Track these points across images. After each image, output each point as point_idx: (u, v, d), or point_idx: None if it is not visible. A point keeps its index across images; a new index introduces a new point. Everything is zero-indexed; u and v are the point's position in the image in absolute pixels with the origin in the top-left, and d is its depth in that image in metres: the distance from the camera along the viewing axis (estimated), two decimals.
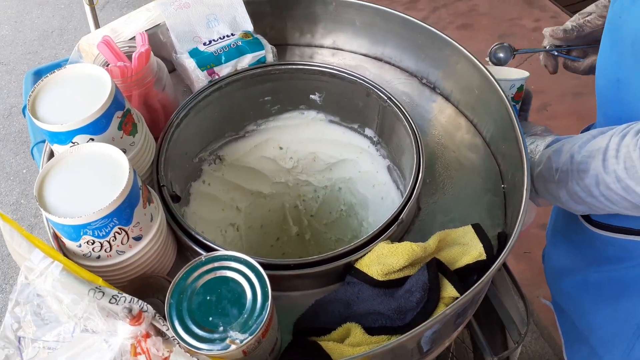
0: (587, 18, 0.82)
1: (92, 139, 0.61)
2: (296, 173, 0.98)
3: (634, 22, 0.61)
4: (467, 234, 0.65)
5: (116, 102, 0.62)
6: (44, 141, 0.76)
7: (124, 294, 0.51)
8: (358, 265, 0.62)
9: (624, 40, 0.63)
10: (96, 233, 0.55)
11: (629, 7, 0.62)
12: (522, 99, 0.87)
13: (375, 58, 0.93)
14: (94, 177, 0.57)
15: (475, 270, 0.62)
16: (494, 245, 0.65)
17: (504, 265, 0.73)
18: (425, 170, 0.70)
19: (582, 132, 0.72)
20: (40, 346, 0.51)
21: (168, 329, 0.49)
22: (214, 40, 0.83)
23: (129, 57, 0.73)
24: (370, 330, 0.59)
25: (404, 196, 0.66)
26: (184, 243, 0.65)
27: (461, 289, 0.58)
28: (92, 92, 0.62)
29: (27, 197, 2.00)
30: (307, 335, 0.60)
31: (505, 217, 0.71)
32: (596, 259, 0.81)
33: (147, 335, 0.49)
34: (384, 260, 0.61)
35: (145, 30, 0.82)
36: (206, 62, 0.81)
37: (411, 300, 0.58)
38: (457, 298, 0.58)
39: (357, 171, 0.93)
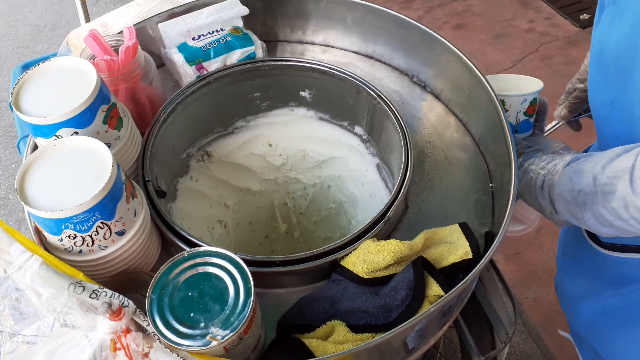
0: (576, 86, 0.84)
1: (77, 133, 0.60)
2: (285, 170, 0.97)
3: (613, 42, 0.62)
4: (454, 232, 0.64)
5: (101, 96, 0.61)
6: None
7: (105, 289, 0.50)
8: (344, 263, 0.62)
9: (607, 61, 0.64)
10: (78, 227, 0.54)
11: (607, 30, 0.63)
12: (536, 111, 0.81)
13: (367, 56, 0.93)
14: (77, 171, 0.56)
15: (461, 269, 0.61)
16: (481, 244, 0.65)
17: (493, 265, 0.73)
18: (414, 169, 0.70)
19: (582, 153, 0.70)
20: (19, 341, 0.50)
21: (149, 325, 0.49)
22: (203, 35, 0.83)
23: (117, 51, 0.72)
24: (355, 328, 0.58)
25: (392, 194, 0.66)
26: (168, 239, 0.64)
27: (446, 287, 0.58)
28: (77, 85, 0.61)
29: (15, 192, 1.98)
30: (292, 333, 0.60)
31: (493, 216, 0.71)
32: (612, 281, 0.78)
33: (128, 331, 0.49)
34: (369, 258, 0.60)
35: (134, 25, 0.81)
36: (195, 57, 0.80)
37: (396, 298, 0.58)
38: (442, 296, 0.57)
39: (346, 169, 0.93)
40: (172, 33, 0.82)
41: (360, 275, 0.60)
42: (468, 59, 0.77)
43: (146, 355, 0.48)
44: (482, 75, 0.74)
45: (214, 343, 0.48)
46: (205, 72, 0.81)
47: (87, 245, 0.56)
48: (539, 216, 0.90)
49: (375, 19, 0.87)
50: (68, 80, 0.63)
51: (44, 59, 0.66)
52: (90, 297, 0.49)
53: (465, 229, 0.64)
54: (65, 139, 0.58)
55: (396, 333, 0.53)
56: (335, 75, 0.80)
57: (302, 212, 1.04)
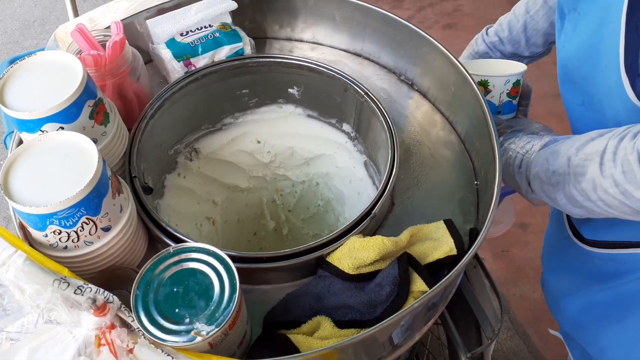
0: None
1: (62, 128, 0.60)
2: (274, 167, 0.97)
3: (575, 48, 0.65)
4: (439, 229, 0.65)
5: (87, 91, 0.61)
6: None
7: (90, 285, 0.50)
8: (330, 259, 0.62)
9: (571, 66, 0.66)
10: (63, 223, 0.54)
11: (570, 37, 0.67)
12: (519, 93, 0.83)
13: (355, 53, 0.93)
14: (63, 167, 0.56)
15: (446, 265, 0.62)
16: (465, 241, 0.65)
17: (480, 262, 0.73)
18: (400, 166, 0.70)
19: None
20: (2, 337, 0.50)
21: (133, 320, 0.49)
22: (191, 31, 0.82)
23: (104, 46, 0.72)
24: (340, 324, 0.59)
25: (378, 191, 0.66)
26: (154, 235, 0.64)
27: (431, 283, 0.59)
28: (63, 80, 0.61)
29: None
30: (278, 329, 0.60)
31: (477, 213, 0.72)
32: (597, 277, 0.79)
33: (112, 327, 0.49)
34: (355, 254, 0.61)
35: (122, 20, 0.81)
36: (183, 53, 0.80)
37: (381, 294, 0.58)
38: (426, 292, 0.58)
39: (334, 166, 0.93)
40: (160, 29, 0.82)
41: (346, 271, 0.61)
42: (454, 58, 0.77)
43: (130, 351, 0.48)
44: (468, 74, 0.74)
45: (199, 339, 0.48)
46: (193, 68, 0.81)
47: (72, 241, 0.56)
48: (513, 215, 0.92)
49: (363, 17, 0.87)
50: (54, 75, 0.62)
51: (31, 53, 0.65)
52: (74, 293, 0.49)
53: (450, 225, 0.65)
54: (51, 134, 0.58)
55: (381, 328, 0.53)
56: (323, 72, 0.80)
57: (290, 209, 1.04)
